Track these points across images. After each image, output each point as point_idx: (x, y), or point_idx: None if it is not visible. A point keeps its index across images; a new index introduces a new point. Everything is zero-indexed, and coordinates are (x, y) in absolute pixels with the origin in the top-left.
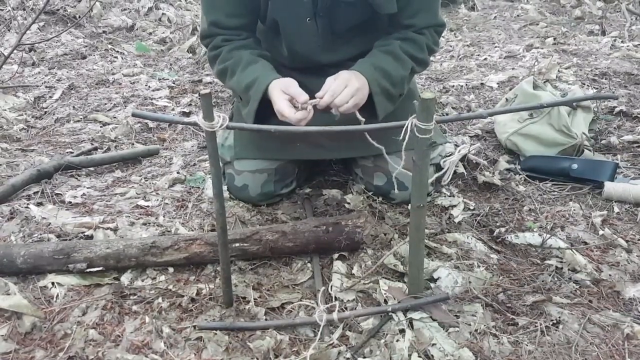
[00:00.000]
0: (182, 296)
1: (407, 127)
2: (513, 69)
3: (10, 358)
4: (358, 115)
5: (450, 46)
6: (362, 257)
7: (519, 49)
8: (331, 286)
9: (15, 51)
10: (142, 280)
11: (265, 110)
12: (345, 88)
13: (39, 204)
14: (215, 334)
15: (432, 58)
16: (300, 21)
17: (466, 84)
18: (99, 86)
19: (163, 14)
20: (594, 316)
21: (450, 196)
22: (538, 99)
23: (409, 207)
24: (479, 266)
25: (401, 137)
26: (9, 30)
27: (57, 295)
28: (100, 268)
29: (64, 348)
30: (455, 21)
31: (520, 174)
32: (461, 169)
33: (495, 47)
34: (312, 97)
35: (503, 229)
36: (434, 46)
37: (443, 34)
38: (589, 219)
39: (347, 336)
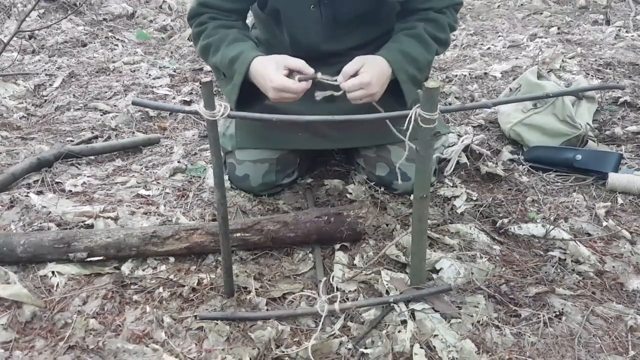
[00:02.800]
0: (183, 286)
1: (411, 116)
2: (517, 58)
3: (10, 347)
4: (376, 106)
5: (454, 35)
6: (363, 247)
7: (523, 38)
8: (333, 277)
9: (15, 38)
10: (143, 270)
11: (249, 96)
12: (360, 90)
13: (39, 193)
14: (217, 324)
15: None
16: (304, 8)
17: (469, 74)
18: (99, 74)
19: (164, 1)
20: (597, 308)
21: (452, 187)
22: (542, 89)
23: (412, 197)
24: (481, 257)
25: (405, 127)
26: (8, 17)
27: (58, 285)
28: (101, 257)
29: (64, 337)
30: None
31: (523, 165)
32: (464, 159)
33: (499, 36)
34: (311, 87)
35: (506, 220)
36: (455, 24)
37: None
38: (593, 210)
39: (348, 327)
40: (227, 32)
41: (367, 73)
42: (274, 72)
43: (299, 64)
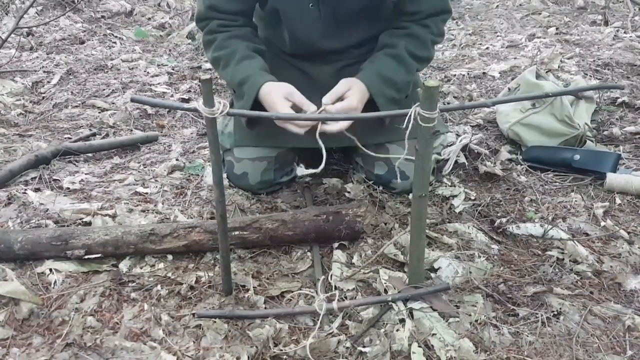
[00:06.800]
0: (181, 284)
1: (410, 115)
2: (515, 58)
3: (7, 344)
4: (349, 135)
5: (452, 35)
6: (362, 246)
7: (521, 38)
8: (331, 275)
9: (13, 35)
10: (141, 268)
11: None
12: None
13: (37, 190)
14: (215, 322)
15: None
16: (303, 7)
17: (468, 73)
18: (97, 71)
19: None
20: (595, 308)
21: (451, 186)
22: (541, 89)
23: (410, 196)
24: (479, 256)
25: (404, 126)
26: (6, 14)
27: (55, 282)
28: (99, 255)
29: (61, 335)
30: (457, 10)
31: (521, 164)
32: (462, 159)
33: (498, 36)
34: (310, 84)
35: (504, 220)
36: (437, 38)
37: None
38: (591, 210)
39: (346, 325)
40: (236, 47)
41: (354, 97)
42: (280, 105)
43: (303, 101)
